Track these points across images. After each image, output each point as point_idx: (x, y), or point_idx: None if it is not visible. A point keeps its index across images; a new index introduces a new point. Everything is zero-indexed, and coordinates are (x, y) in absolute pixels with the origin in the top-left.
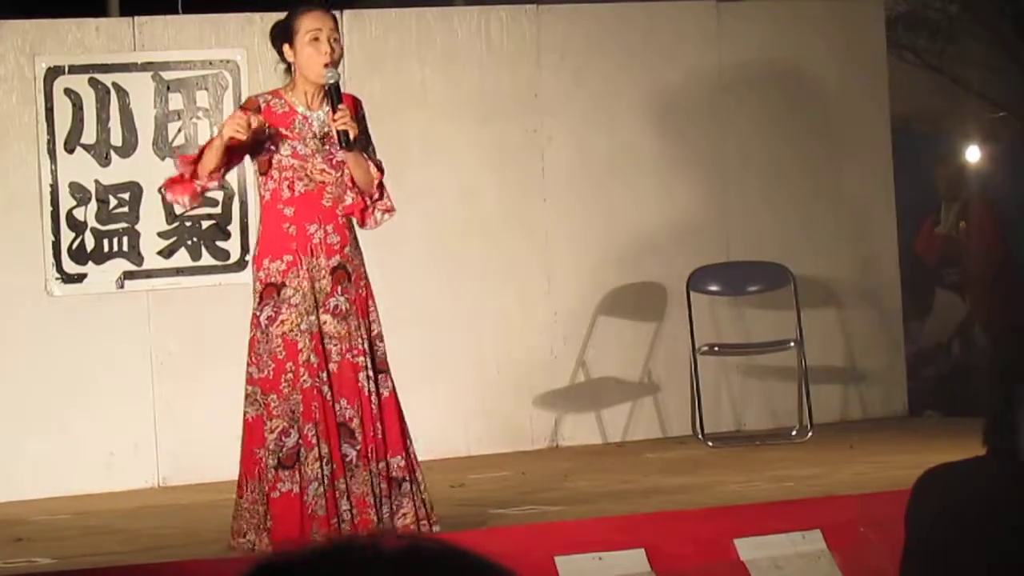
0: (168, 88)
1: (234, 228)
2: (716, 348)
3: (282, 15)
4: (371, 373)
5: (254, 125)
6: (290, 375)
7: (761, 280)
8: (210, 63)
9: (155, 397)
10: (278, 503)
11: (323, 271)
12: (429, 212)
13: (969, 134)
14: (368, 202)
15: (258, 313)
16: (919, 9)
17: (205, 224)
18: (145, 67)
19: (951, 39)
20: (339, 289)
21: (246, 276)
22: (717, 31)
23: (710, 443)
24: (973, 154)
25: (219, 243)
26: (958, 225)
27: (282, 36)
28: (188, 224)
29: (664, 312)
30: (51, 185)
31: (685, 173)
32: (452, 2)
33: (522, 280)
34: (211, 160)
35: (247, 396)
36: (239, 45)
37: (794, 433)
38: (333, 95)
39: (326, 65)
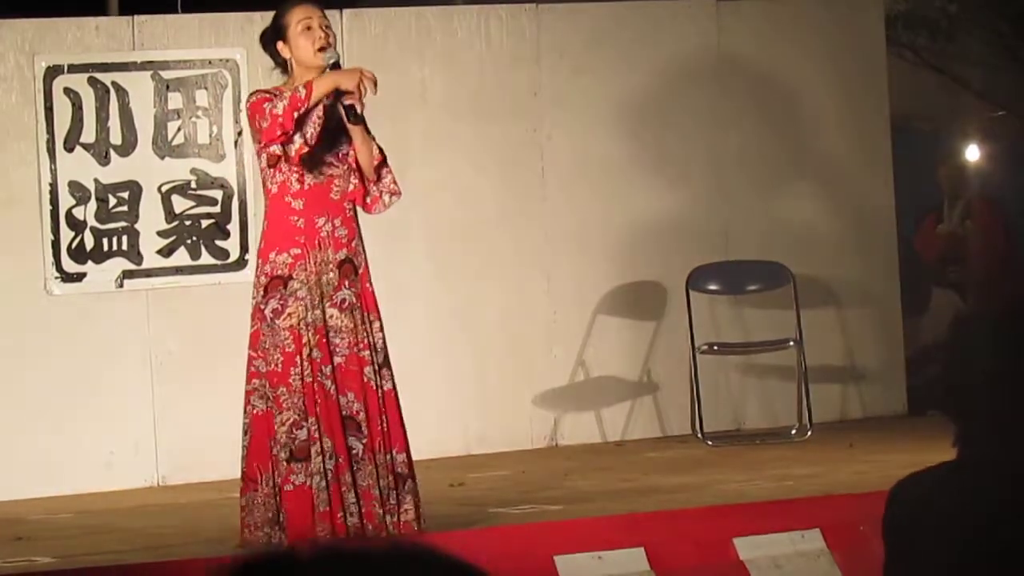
0: (167, 87)
1: (233, 227)
2: (715, 347)
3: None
4: (377, 367)
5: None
6: (299, 368)
7: (760, 279)
8: (209, 62)
9: (155, 396)
10: (291, 496)
11: (330, 264)
12: (429, 212)
13: (969, 133)
14: (369, 187)
15: (262, 306)
16: (919, 8)
17: (205, 223)
18: (144, 66)
19: (951, 38)
20: (346, 283)
21: (246, 275)
22: (716, 31)
23: (709, 442)
24: (973, 153)
25: (219, 242)
26: (963, 224)
27: (274, 35)
28: (188, 223)
29: (663, 311)
30: (50, 184)
31: (684, 172)
32: (452, 1)
33: (521, 279)
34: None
35: (254, 390)
36: (238, 44)
37: (793, 432)
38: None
39: (322, 48)
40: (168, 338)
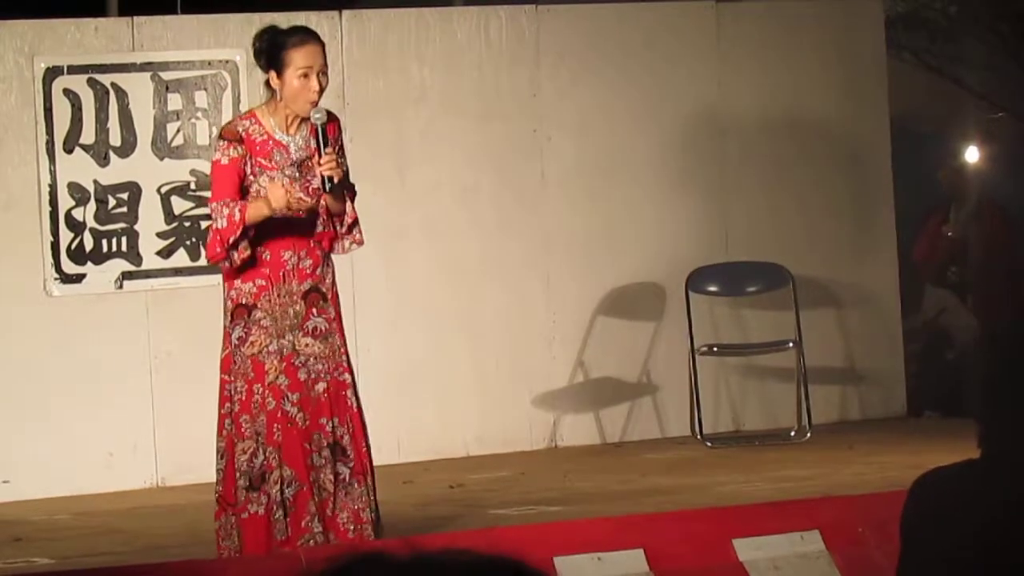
0: (167, 88)
1: None
2: (715, 348)
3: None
4: (355, 390)
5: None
6: (257, 397)
7: (760, 280)
8: (209, 63)
9: (154, 397)
10: (247, 524)
11: (295, 296)
12: (428, 211)
13: (969, 134)
14: (337, 232)
15: (230, 331)
16: (919, 9)
17: (204, 224)
18: (144, 67)
19: (950, 39)
20: (314, 311)
21: None
22: (716, 31)
23: (709, 443)
24: (973, 154)
25: None
26: (969, 226)
27: (269, 62)
28: (187, 224)
29: (663, 312)
30: (50, 185)
31: (684, 173)
32: (452, 2)
33: (521, 280)
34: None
35: (227, 413)
36: (238, 45)
37: (793, 434)
38: (320, 137)
39: (313, 103)
40: (167, 339)
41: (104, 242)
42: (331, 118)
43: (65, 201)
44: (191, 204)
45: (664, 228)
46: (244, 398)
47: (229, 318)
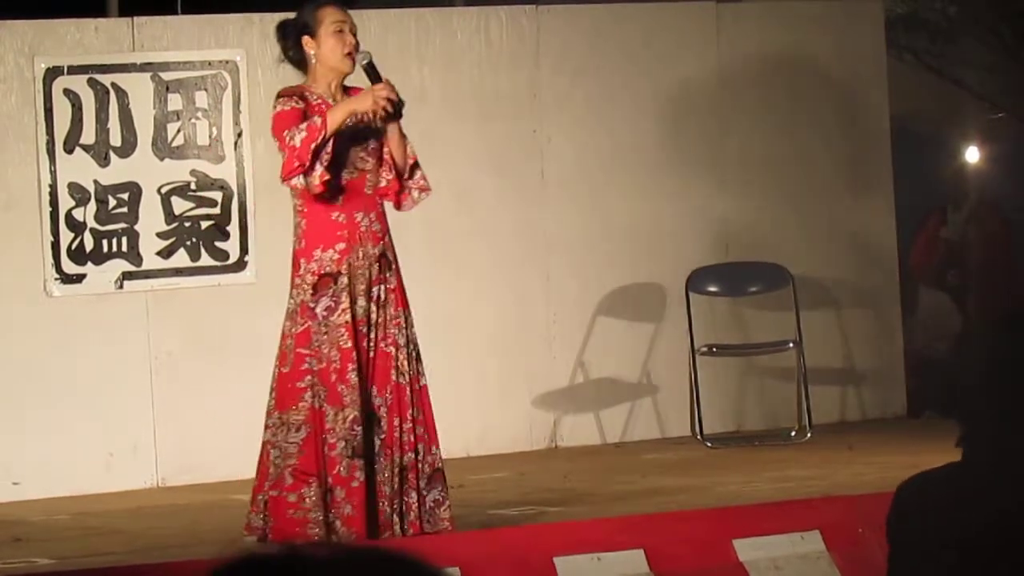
0: (167, 88)
1: (233, 228)
2: (715, 349)
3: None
4: (405, 363)
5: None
6: (354, 364)
7: (760, 281)
8: (209, 64)
9: (154, 397)
10: (358, 492)
11: (371, 258)
12: (428, 212)
13: (968, 135)
14: (402, 182)
15: (312, 304)
16: (919, 10)
17: (204, 224)
18: (144, 67)
19: (951, 40)
20: (382, 277)
21: (245, 276)
22: (717, 31)
23: (709, 444)
24: (973, 155)
25: (218, 243)
26: (967, 228)
27: (301, 29)
28: (187, 224)
29: (663, 313)
30: (50, 185)
31: (684, 173)
32: (452, 2)
33: (521, 280)
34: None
35: (307, 387)
36: (238, 46)
37: (793, 434)
38: (372, 72)
39: (349, 54)
40: (168, 339)
41: (104, 242)
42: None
43: (65, 201)
44: (191, 204)
45: (664, 228)
46: (340, 366)
47: (310, 291)
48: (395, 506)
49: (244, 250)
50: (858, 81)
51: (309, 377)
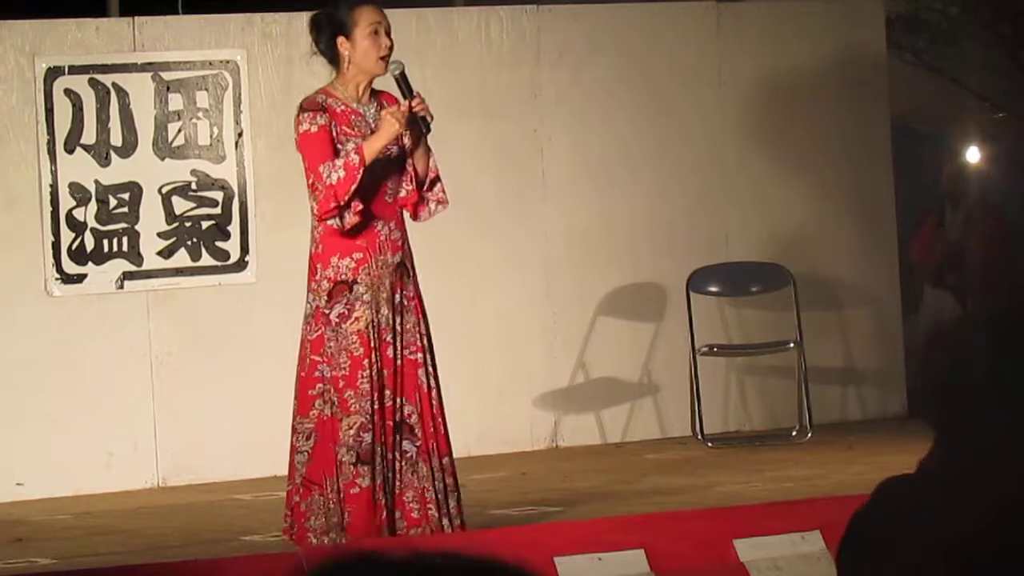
0: (168, 88)
1: (234, 228)
2: (716, 349)
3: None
4: (429, 369)
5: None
6: (367, 372)
7: (761, 281)
8: (210, 63)
9: (154, 397)
10: (356, 499)
11: (389, 267)
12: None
13: (969, 135)
14: (421, 194)
15: (326, 311)
16: (919, 10)
17: (205, 224)
18: (145, 67)
19: (951, 40)
20: (401, 286)
21: (246, 276)
22: (717, 31)
23: (709, 444)
24: (973, 155)
25: (219, 243)
26: (965, 229)
27: (336, 28)
28: (188, 224)
29: (664, 312)
30: (51, 185)
31: (685, 173)
32: (452, 2)
33: (521, 280)
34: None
35: (318, 394)
36: (239, 45)
37: (794, 434)
38: (403, 83)
39: (383, 58)
40: (168, 339)
41: (105, 242)
42: (397, 100)
43: (66, 201)
44: (192, 204)
45: (664, 228)
46: (349, 373)
47: (325, 298)
48: (442, 510)
49: (244, 250)
50: (858, 81)
51: (320, 385)
